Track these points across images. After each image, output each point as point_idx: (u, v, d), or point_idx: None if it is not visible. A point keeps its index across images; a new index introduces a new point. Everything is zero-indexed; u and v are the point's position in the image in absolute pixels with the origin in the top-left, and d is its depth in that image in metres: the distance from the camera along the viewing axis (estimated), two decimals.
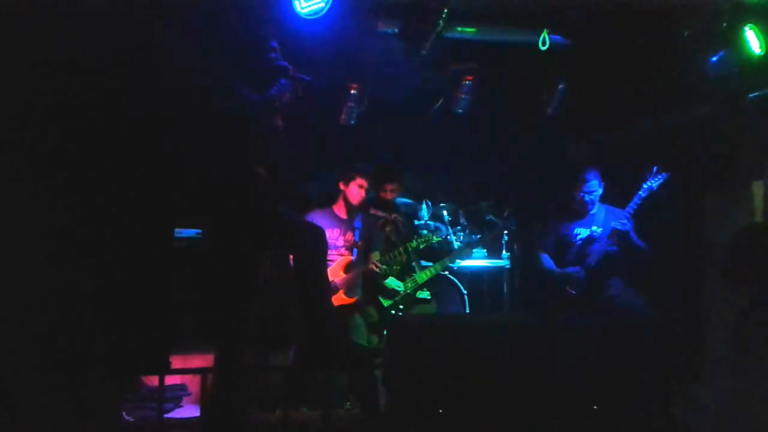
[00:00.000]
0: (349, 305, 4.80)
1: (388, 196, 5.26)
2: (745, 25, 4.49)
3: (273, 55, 3.53)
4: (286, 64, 3.54)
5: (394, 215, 5.23)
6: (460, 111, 5.42)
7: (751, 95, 4.96)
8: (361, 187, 4.95)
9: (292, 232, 3.52)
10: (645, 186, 4.66)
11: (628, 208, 4.70)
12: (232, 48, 3.52)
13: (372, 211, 5.16)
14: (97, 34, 3.47)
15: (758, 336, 3.91)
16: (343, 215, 5.00)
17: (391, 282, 5.03)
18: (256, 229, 3.44)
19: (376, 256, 5.02)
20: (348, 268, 4.89)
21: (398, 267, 5.15)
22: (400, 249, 5.01)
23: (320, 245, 3.55)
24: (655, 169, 4.67)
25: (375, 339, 4.88)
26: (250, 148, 3.46)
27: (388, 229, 5.11)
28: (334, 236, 4.87)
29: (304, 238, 3.48)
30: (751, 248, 4.41)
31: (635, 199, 4.67)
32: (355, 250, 5.00)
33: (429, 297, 5.17)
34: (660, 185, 4.66)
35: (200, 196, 3.49)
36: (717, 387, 3.88)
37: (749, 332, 4.00)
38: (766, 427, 3.47)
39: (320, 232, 3.56)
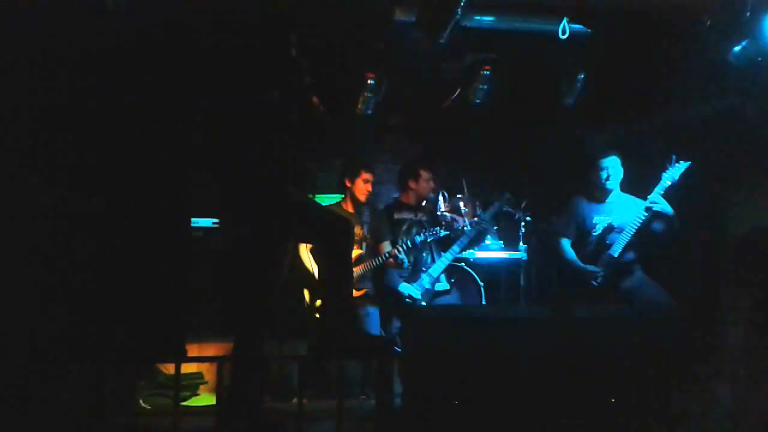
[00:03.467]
0: (359, 297, 4.81)
1: (421, 187, 5.21)
2: None
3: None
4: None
5: (419, 215, 5.21)
6: (477, 101, 5.38)
7: None
8: (366, 181, 4.94)
9: (322, 222, 3.50)
10: (665, 175, 4.62)
11: (649, 199, 4.64)
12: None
13: (396, 216, 5.15)
14: (126, 23, 3.48)
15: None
16: (351, 209, 4.99)
17: (404, 287, 5.00)
18: (285, 219, 3.42)
19: (386, 246, 5.00)
20: (357, 261, 4.89)
21: (409, 265, 5.10)
22: (407, 243, 4.96)
23: (350, 236, 3.55)
24: (674, 158, 4.62)
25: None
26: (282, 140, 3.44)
27: (414, 231, 5.09)
28: None
29: (334, 230, 3.46)
30: (753, 251, 4.39)
31: (657, 190, 4.62)
32: (364, 244, 4.99)
33: (448, 287, 5.14)
34: (681, 174, 4.61)
35: (227, 186, 3.46)
36: (734, 382, 3.85)
37: (760, 329, 3.96)
38: None
39: (350, 224, 3.56)
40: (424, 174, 5.22)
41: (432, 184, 5.30)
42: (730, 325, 4.36)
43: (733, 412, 3.64)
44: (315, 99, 3.46)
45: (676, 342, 3.66)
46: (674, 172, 4.62)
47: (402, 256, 4.91)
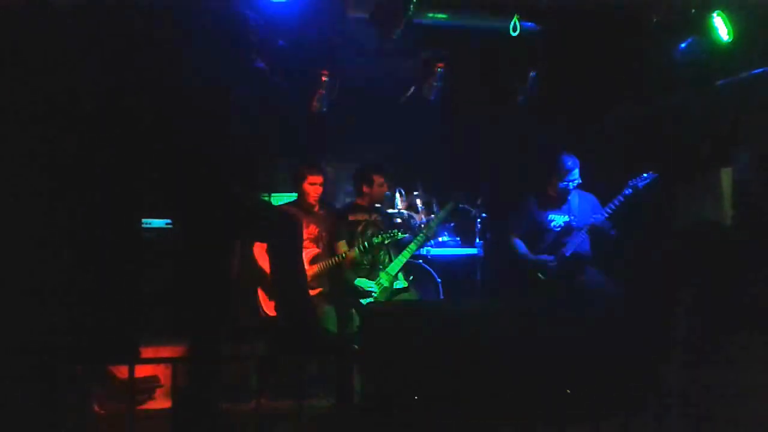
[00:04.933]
0: (316, 295, 4.79)
1: (375, 192, 5.21)
2: (713, 11, 4.53)
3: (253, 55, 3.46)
4: (262, 65, 3.48)
5: (374, 216, 5.20)
6: (431, 98, 5.39)
7: (719, 82, 5.02)
8: (312, 184, 4.91)
9: (269, 220, 3.49)
10: (630, 184, 4.70)
11: (609, 206, 4.72)
12: (208, 39, 3.45)
13: (351, 217, 5.14)
14: (72, 30, 3.40)
15: (708, 321, 4.00)
16: (304, 209, 4.95)
17: (362, 282, 4.99)
18: (232, 218, 3.40)
19: (342, 246, 4.98)
20: (313, 260, 4.86)
21: (366, 264, 5.10)
22: (364, 243, 4.96)
23: (296, 232, 3.54)
24: (644, 172, 4.69)
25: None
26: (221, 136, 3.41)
27: (369, 232, 5.08)
28: None
29: (281, 227, 3.45)
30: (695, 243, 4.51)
31: (619, 197, 4.69)
32: (321, 243, 4.97)
33: (406, 285, 5.15)
34: (645, 185, 4.69)
35: (174, 185, 3.43)
36: (681, 369, 3.95)
37: (702, 318, 4.08)
38: (727, 411, 3.54)
39: (296, 221, 3.54)
40: (377, 179, 5.19)
41: (385, 188, 5.30)
42: (676, 314, 4.46)
43: (684, 402, 3.73)
44: None
45: (622, 330, 3.75)
46: (639, 182, 4.69)
47: (358, 255, 4.91)
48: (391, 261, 5.16)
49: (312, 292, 4.74)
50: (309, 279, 4.74)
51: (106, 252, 3.40)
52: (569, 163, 4.85)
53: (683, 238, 5.02)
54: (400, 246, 5.24)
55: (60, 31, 3.36)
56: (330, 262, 4.89)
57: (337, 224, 5.06)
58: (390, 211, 5.77)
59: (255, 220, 3.46)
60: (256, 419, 3.41)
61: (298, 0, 4.06)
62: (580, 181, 4.88)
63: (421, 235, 5.20)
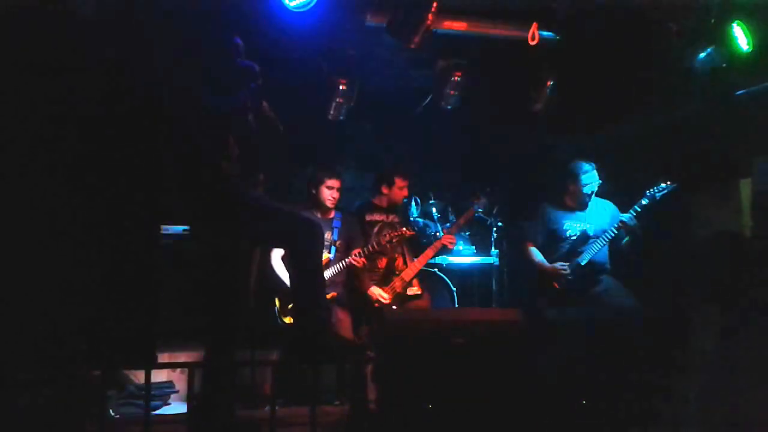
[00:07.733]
0: (329, 301, 4.79)
1: (394, 194, 5.22)
2: (732, 21, 4.52)
3: (237, 58, 3.46)
4: (250, 64, 3.46)
5: (391, 217, 5.21)
6: (448, 107, 5.40)
7: (738, 92, 4.99)
8: (330, 188, 4.91)
9: (292, 226, 3.49)
10: (648, 193, 4.67)
11: (627, 215, 4.70)
12: (203, 48, 3.47)
13: (368, 218, 5.15)
14: (80, 37, 3.44)
15: (739, 334, 3.96)
16: (320, 214, 4.96)
17: (375, 291, 4.99)
18: (249, 224, 3.41)
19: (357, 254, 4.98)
20: (325, 266, 4.87)
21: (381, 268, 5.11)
22: (374, 245, 4.96)
23: (319, 239, 3.54)
24: (662, 184, 4.68)
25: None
26: (225, 147, 3.42)
27: (384, 233, 5.07)
28: None
29: (304, 233, 3.45)
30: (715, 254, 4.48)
31: (635, 207, 4.67)
32: (333, 248, 4.97)
33: (420, 293, 5.14)
34: (663, 196, 4.67)
35: (191, 191, 3.45)
36: (701, 382, 3.91)
37: (731, 330, 4.04)
38: (745, 421, 3.51)
39: (318, 227, 3.54)
40: (399, 182, 5.21)
41: (405, 192, 5.30)
42: (699, 327, 4.43)
43: (701, 412, 3.70)
44: (265, 104, 3.45)
45: (640, 343, 3.72)
46: (657, 193, 4.67)
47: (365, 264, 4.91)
48: (405, 266, 5.16)
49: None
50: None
51: (125, 257, 3.43)
52: (586, 166, 4.83)
53: (701, 249, 4.98)
54: (416, 250, 5.24)
55: (77, 35, 3.41)
56: (340, 266, 4.89)
57: (355, 231, 5.06)
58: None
59: (274, 226, 3.46)
60: (270, 425, 3.41)
61: (317, 8, 4.08)
62: (600, 182, 4.85)
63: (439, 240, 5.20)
